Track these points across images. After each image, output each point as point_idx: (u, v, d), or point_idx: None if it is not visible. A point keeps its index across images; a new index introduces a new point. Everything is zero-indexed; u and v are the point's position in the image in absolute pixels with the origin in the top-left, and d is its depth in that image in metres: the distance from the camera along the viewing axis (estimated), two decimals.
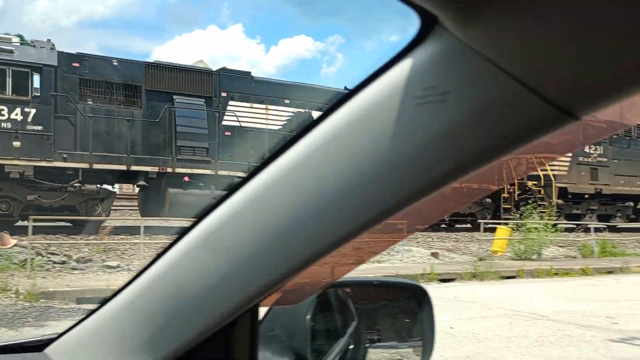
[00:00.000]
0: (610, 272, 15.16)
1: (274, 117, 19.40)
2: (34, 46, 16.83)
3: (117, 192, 20.99)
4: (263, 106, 19.25)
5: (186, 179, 17.88)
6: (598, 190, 24.45)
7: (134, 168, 17.43)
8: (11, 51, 16.07)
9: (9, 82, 15.81)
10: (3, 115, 15.80)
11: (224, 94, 18.68)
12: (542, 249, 17.23)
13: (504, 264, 15.33)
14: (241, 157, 18.07)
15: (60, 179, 16.63)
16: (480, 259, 15.39)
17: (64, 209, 17.00)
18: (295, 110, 19.54)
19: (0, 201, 16.34)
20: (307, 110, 19.27)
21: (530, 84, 0.60)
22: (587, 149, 23.43)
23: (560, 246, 19.27)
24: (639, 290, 12.00)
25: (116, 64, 17.35)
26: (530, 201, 19.91)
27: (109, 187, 18.56)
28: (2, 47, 16.00)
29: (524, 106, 0.61)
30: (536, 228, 17.00)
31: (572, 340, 7.22)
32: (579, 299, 10.69)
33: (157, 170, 17.65)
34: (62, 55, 16.69)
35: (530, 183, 22.45)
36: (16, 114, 15.85)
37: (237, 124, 18.72)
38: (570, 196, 23.72)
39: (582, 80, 0.58)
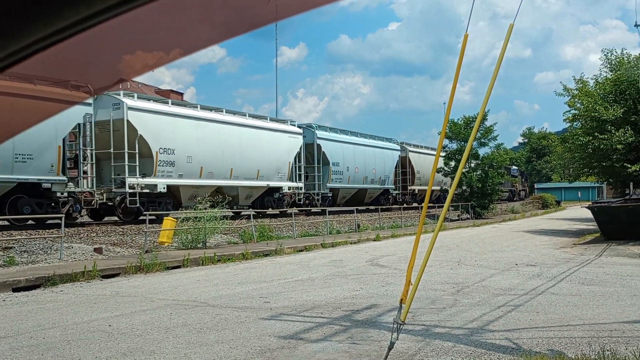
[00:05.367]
0: (266, 254, 16.52)
1: None
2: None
3: None
4: None
5: None
6: None
7: None
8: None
9: None
10: None
11: None
12: (208, 237, 17.88)
13: (170, 254, 15.44)
14: None
15: None
16: (147, 251, 15.20)
17: None
18: None
19: None
20: None
21: None
22: None
23: (225, 233, 20.31)
24: (289, 270, 13.33)
25: None
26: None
27: None
28: None
29: None
30: (202, 217, 17.54)
31: (228, 324, 7.56)
32: (237, 283, 11.34)
33: None
34: None
35: None
36: None
37: None
38: None
39: None
